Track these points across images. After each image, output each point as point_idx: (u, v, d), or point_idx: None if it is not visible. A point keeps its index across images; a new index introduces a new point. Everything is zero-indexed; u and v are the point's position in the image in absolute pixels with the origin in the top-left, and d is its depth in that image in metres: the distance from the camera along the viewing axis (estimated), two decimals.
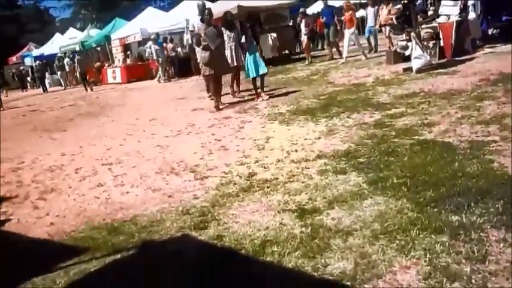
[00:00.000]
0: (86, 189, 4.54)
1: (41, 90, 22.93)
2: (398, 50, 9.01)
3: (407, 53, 8.44)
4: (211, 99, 8.54)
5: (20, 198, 4.61)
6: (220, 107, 8.15)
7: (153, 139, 6.51)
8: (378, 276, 2.17)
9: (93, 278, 2.65)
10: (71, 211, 3.95)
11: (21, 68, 29.02)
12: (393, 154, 3.94)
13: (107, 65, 22.68)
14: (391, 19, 9.71)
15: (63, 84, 23.34)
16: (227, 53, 8.57)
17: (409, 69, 8.25)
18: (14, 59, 33.64)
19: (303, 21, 13.79)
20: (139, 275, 2.61)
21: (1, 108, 15.01)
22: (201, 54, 8.20)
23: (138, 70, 20.38)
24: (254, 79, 8.32)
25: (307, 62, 13.62)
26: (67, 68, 22.96)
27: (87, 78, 19.90)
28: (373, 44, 13.53)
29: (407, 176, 3.34)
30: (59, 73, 23.88)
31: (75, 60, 21.01)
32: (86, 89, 18.61)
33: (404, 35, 8.54)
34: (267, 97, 8.32)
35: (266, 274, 2.41)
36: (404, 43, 8.49)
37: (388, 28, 11.01)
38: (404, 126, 4.78)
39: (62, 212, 3.97)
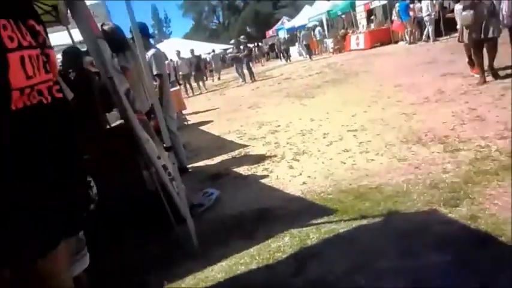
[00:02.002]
0: (333, 153, 4.81)
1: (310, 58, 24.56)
2: None
3: None
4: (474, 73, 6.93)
5: (277, 157, 5.25)
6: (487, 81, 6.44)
7: (398, 106, 6.35)
8: None
9: (341, 238, 2.83)
10: (320, 173, 4.27)
11: (276, 39, 32.39)
12: None
13: (350, 31, 23.04)
14: None
15: (304, 54, 24.87)
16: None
17: None
18: (270, 32, 37.97)
19: None
20: (384, 244, 2.64)
21: (252, 79, 17.17)
22: (460, 13, 6.70)
23: (382, 34, 20.03)
24: None
25: None
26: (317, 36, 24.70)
27: (310, 48, 23.44)
28: None
29: None
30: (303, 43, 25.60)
31: (301, 34, 23.82)
32: (311, 58, 21.93)
33: None
34: None
35: None
36: None
37: None
38: None
39: (312, 173, 4.34)
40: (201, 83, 18.61)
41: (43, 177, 1.28)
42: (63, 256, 1.39)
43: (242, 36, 19.94)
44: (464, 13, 6.50)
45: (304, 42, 23.60)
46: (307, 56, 23.00)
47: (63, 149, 1.37)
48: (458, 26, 7.18)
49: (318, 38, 25.30)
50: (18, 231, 1.22)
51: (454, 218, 2.72)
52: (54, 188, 1.31)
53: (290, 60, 24.99)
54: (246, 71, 17.68)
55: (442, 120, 4.97)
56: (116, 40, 4.42)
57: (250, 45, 31.32)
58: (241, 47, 18.20)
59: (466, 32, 6.64)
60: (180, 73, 17.63)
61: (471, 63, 7.09)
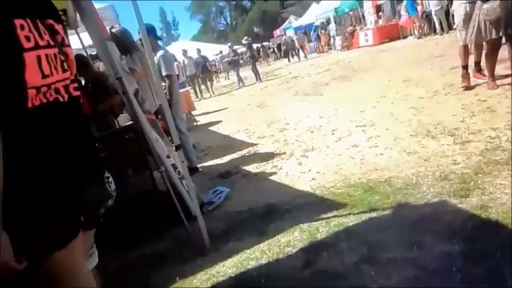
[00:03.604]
0: (342, 149, 4.81)
1: (305, 58, 25.24)
2: None
3: None
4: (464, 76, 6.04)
5: (287, 154, 5.27)
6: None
7: (406, 101, 6.31)
8: None
9: (350, 232, 2.83)
10: (329, 169, 4.28)
11: (283, 39, 32.42)
12: None
13: (358, 28, 22.97)
14: None
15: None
16: None
17: None
18: (277, 32, 38.00)
19: None
20: (393, 235, 2.64)
21: (258, 82, 17.09)
22: (480, 6, 5.26)
23: (390, 30, 19.95)
24: None
25: None
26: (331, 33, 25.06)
27: (304, 50, 25.91)
28: None
29: None
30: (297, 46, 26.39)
31: (296, 37, 26.42)
32: (299, 59, 24.71)
33: None
34: None
35: None
36: None
37: None
38: None
39: (321, 169, 4.34)
40: (208, 84, 18.22)
41: (60, 172, 1.31)
42: (80, 249, 1.41)
43: (245, 37, 19.93)
44: (486, 5, 5.16)
45: (297, 45, 25.58)
46: (305, 57, 24.83)
47: (79, 145, 1.40)
48: (456, 25, 6.19)
49: (331, 35, 25.48)
50: (36, 223, 1.24)
51: (464, 208, 2.71)
52: (71, 182, 1.34)
53: (290, 61, 25.54)
54: (240, 73, 17.78)
55: (451, 113, 4.93)
56: (123, 42, 4.47)
57: (258, 45, 31.67)
58: (241, 49, 18.22)
59: (487, 29, 5.24)
60: (187, 74, 16.86)
61: (478, 67, 6.13)
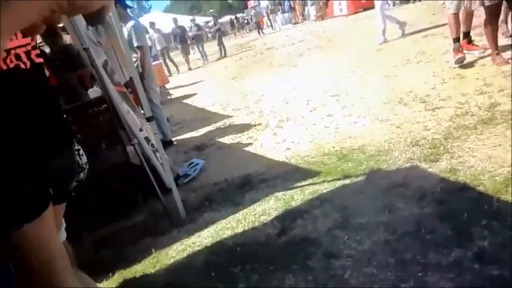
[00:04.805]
0: (317, 119, 4.82)
1: (276, 29, 25.61)
2: None
3: None
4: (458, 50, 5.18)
5: (262, 125, 5.26)
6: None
7: (380, 69, 6.33)
8: None
9: (324, 199, 2.87)
10: (303, 138, 4.30)
11: (253, 11, 31.83)
12: None
13: None
14: None
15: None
16: None
17: None
18: (251, 3, 37.28)
19: None
20: (367, 201, 2.69)
21: (221, 55, 16.99)
22: None
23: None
24: None
25: None
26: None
27: (260, 25, 26.00)
28: None
29: None
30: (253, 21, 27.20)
31: (252, 13, 27.81)
32: (259, 33, 24.85)
33: None
34: None
35: (507, 214, 2.16)
36: None
37: None
38: None
39: (296, 139, 4.36)
40: (184, 58, 16.69)
41: (24, 143, 1.25)
42: (51, 222, 1.37)
43: (211, 10, 19.51)
44: None
45: (254, 20, 26.59)
46: (261, 33, 25.14)
47: (45, 115, 1.34)
48: None
49: (309, 4, 25.24)
50: (3, 197, 1.20)
51: (434, 172, 2.77)
52: (36, 154, 1.29)
53: (263, 33, 25.19)
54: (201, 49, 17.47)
55: (423, 80, 4.99)
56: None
57: (232, 17, 31.11)
58: (210, 23, 17.75)
59: None
60: (158, 47, 15.13)
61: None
